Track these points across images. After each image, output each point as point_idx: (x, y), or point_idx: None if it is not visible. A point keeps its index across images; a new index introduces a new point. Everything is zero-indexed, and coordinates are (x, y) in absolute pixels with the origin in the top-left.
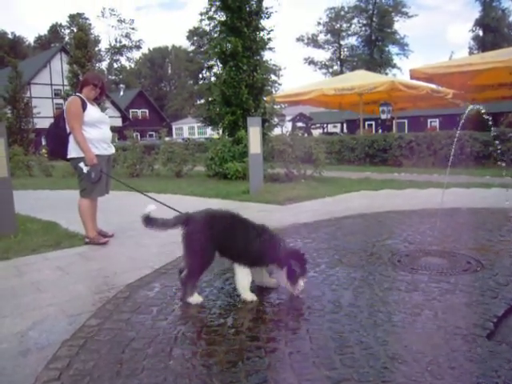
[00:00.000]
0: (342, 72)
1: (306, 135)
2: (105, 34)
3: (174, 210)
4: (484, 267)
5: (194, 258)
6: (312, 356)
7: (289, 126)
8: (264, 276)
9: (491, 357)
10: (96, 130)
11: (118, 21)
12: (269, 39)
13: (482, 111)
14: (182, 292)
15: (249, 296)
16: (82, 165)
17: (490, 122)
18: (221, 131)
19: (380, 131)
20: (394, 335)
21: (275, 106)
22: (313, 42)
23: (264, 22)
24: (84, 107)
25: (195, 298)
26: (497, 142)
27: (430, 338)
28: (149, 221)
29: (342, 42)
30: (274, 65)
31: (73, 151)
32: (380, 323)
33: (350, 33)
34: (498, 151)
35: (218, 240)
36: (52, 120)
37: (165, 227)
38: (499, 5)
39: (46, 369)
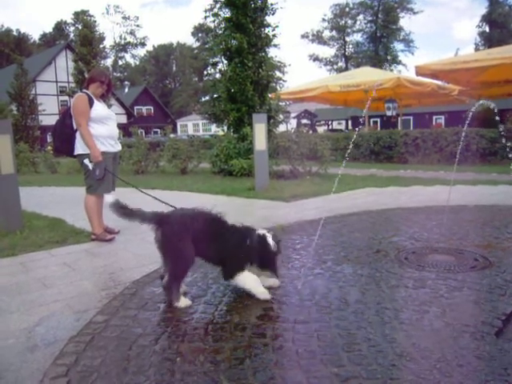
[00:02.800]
0: (346, 69)
1: (310, 132)
2: (109, 31)
3: (172, 206)
4: (492, 264)
5: (176, 262)
6: (319, 353)
7: (294, 122)
8: (261, 276)
9: (500, 354)
10: (103, 127)
11: (123, 18)
12: (274, 36)
13: (492, 106)
14: (167, 298)
15: (263, 294)
16: (86, 161)
17: (498, 118)
18: (226, 128)
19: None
20: (402, 332)
21: (280, 103)
22: (318, 38)
23: (269, 19)
24: (91, 104)
25: (183, 302)
26: (503, 138)
27: (438, 335)
28: (120, 208)
29: (346, 39)
30: (278, 61)
31: (79, 147)
32: (387, 320)
33: (355, 29)
34: (507, 148)
35: (198, 242)
36: (57, 117)
37: (141, 219)
38: (506, 0)
39: (53, 365)
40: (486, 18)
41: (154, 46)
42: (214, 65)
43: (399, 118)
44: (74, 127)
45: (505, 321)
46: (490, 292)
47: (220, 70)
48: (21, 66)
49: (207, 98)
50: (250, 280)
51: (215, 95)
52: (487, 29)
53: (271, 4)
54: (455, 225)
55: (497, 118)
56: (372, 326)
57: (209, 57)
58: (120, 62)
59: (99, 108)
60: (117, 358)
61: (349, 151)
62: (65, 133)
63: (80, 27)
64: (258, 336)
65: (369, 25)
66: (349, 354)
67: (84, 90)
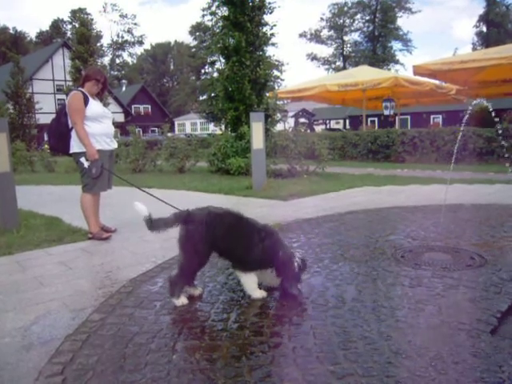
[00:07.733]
0: (344, 68)
1: (308, 131)
2: (107, 29)
3: (172, 206)
4: (487, 263)
5: (189, 259)
6: (316, 351)
7: (291, 121)
8: (267, 276)
9: (495, 352)
10: (98, 125)
11: (120, 16)
12: (272, 34)
13: (488, 106)
14: (169, 291)
15: (257, 294)
16: (82, 160)
17: (496, 119)
18: (223, 127)
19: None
20: (398, 330)
21: (278, 102)
22: (316, 37)
23: (267, 18)
24: (86, 102)
25: (181, 300)
26: (500, 138)
27: (434, 333)
28: (153, 224)
29: (344, 38)
30: (276, 60)
31: (75, 146)
32: (384, 318)
33: (352, 28)
34: (504, 147)
35: (218, 242)
36: (54, 115)
37: (167, 227)
38: (503, 0)
39: (49, 363)
40: (484, 18)
41: (151, 45)
42: (212, 63)
43: (397, 117)
44: (70, 125)
45: (500, 318)
46: (486, 290)
47: (218, 69)
48: (17, 64)
49: (205, 96)
50: (251, 280)
51: (213, 94)
52: (484, 29)
53: (269, 3)
54: (452, 223)
55: (496, 118)
56: (368, 324)
57: (206, 55)
58: (117, 61)
59: (94, 106)
60: (113, 356)
61: (345, 151)
62: (60, 131)
63: (77, 25)
64: (255, 334)
65: (367, 24)
66: (345, 351)
67: (79, 88)
